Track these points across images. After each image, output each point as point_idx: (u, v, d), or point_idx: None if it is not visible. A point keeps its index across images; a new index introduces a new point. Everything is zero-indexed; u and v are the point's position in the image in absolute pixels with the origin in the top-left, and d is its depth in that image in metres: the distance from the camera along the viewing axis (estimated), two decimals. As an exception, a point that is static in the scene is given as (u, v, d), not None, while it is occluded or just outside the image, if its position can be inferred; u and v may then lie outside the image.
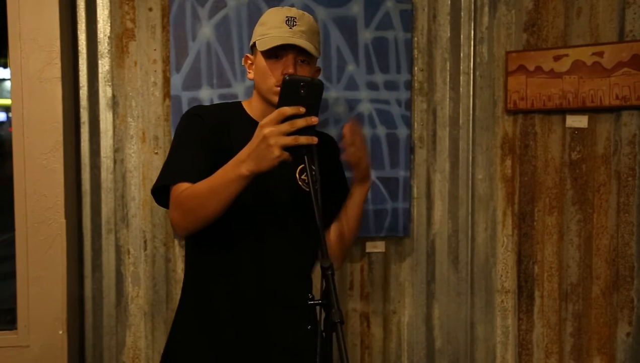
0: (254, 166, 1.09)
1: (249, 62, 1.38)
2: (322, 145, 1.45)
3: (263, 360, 1.31)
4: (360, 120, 1.91)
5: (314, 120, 1.06)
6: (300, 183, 1.35)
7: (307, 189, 1.34)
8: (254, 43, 1.33)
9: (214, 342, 1.32)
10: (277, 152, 1.06)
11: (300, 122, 1.06)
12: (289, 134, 1.06)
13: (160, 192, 1.31)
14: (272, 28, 1.29)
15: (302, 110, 1.06)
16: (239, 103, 1.43)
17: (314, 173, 1.09)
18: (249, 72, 1.38)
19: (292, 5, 1.82)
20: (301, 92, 1.07)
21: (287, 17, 1.28)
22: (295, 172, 1.35)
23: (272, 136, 1.05)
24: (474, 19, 1.96)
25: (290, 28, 1.27)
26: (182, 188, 1.22)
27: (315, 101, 1.08)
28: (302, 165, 1.35)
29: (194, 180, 1.21)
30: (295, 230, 1.34)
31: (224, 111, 1.40)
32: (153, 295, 1.93)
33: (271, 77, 1.29)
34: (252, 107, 1.38)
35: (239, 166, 1.11)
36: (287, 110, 1.06)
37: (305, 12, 1.32)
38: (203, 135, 1.31)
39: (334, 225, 1.42)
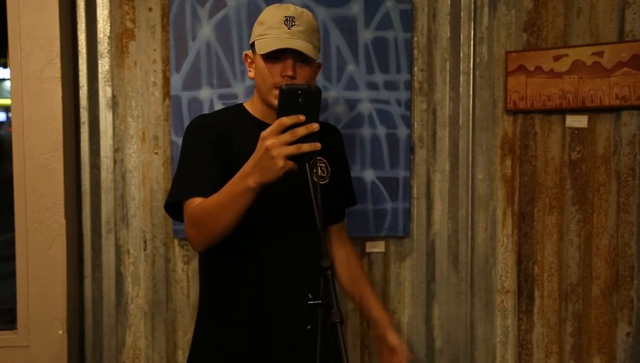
0: (260, 178, 1.09)
1: (249, 60, 1.38)
2: (327, 135, 1.45)
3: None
4: (360, 120, 1.92)
5: (314, 127, 1.06)
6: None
7: (320, 183, 1.37)
8: (254, 42, 1.33)
9: (236, 350, 1.33)
10: (281, 163, 1.05)
11: (301, 131, 1.05)
12: (291, 143, 1.05)
13: (173, 207, 1.32)
14: (270, 28, 1.28)
15: (302, 118, 1.06)
16: (241, 105, 1.42)
17: (315, 178, 1.09)
18: (250, 70, 1.37)
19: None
20: (299, 100, 1.06)
21: (285, 17, 1.27)
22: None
23: (274, 148, 1.05)
24: (474, 19, 1.96)
25: (289, 29, 1.26)
26: (195, 203, 1.23)
27: (315, 108, 1.08)
28: (311, 161, 1.37)
29: (205, 194, 1.22)
30: (309, 227, 1.35)
31: (226, 116, 1.40)
32: (153, 295, 1.93)
33: (270, 79, 1.29)
34: (254, 107, 1.38)
35: (245, 179, 1.11)
36: (287, 120, 1.05)
37: (305, 9, 1.31)
38: (209, 145, 1.31)
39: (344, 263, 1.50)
